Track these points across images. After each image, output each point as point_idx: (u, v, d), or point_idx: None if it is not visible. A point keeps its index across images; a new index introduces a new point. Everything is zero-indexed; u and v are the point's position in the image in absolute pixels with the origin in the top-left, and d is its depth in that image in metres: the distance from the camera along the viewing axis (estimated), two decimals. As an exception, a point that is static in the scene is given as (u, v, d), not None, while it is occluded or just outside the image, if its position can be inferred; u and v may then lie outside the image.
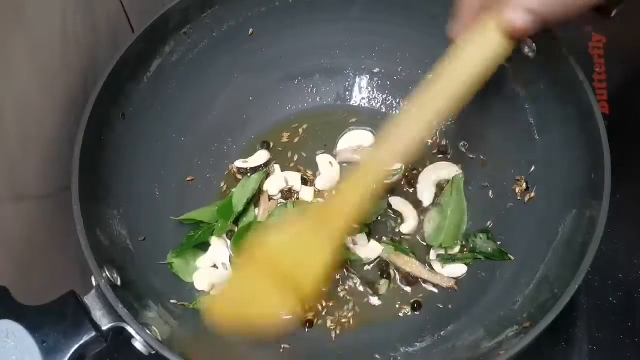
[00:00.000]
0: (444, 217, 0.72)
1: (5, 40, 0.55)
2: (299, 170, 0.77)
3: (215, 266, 0.71)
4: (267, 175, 0.75)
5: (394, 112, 0.80)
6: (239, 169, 0.76)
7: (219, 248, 0.71)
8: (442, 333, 0.66)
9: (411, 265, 0.69)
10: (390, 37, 0.78)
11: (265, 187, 0.75)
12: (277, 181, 0.75)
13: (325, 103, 0.81)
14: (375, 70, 0.80)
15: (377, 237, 0.72)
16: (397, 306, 0.69)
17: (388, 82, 0.80)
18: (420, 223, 0.73)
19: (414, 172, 0.76)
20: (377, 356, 0.65)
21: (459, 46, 0.55)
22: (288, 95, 0.81)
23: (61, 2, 0.63)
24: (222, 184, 0.76)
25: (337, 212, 0.58)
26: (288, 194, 0.74)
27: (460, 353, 0.62)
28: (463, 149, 0.77)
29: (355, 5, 0.76)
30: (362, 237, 0.71)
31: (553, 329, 0.52)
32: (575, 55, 0.63)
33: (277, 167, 0.76)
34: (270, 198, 0.74)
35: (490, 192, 0.73)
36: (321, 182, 0.75)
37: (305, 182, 0.75)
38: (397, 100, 0.80)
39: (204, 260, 0.71)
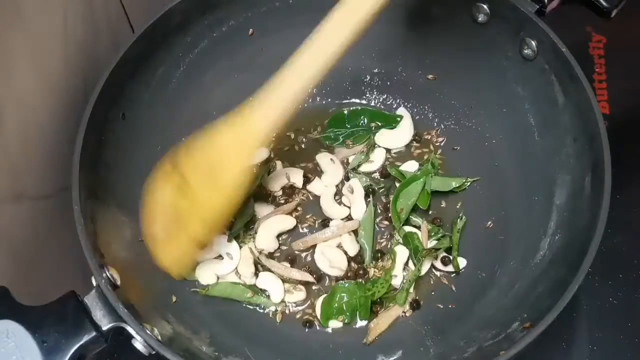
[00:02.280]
0: None
1: (5, 40, 0.55)
2: (300, 167, 0.77)
3: (219, 257, 0.71)
4: (269, 172, 0.75)
5: (394, 112, 0.80)
6: (239, 167, 0.76)
7: (220, 240, 0.71)
8: (442, 333, 0.66)
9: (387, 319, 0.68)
10: (390, 37, 0.78)
11: (267, 183, 0.75)
12: (278, 178, 0.75)
13: (324, 103, 0.81)
14: (375, 70, 0.80)
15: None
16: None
17: (388, 82, 0.80)
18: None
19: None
20: (377, 356, 0.65)
21: None
22: (288, 95, 0.80)
23: (61, 2, 0.64)
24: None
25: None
26: (290, 190, 0.74)
27: (460, 353, 0.62)
28: (463, 149, 0.77)
29: (356, 5, 0.76)
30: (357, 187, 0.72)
31: (553, 329, 0.52)
32: (575, 55, 0.63)
33: (278, 163, 0.76)
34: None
35: (491, 193, 0.73)
36: (327, 179, 0.75)
37: (307, 179, 0.75)
38: (397, 100, 0.80)
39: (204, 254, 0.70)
